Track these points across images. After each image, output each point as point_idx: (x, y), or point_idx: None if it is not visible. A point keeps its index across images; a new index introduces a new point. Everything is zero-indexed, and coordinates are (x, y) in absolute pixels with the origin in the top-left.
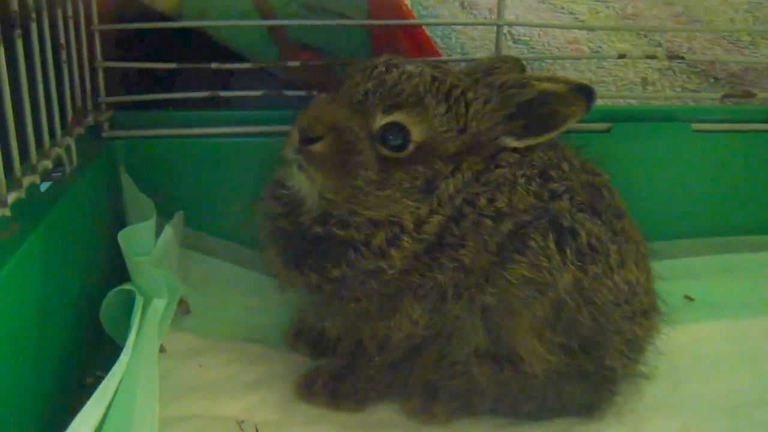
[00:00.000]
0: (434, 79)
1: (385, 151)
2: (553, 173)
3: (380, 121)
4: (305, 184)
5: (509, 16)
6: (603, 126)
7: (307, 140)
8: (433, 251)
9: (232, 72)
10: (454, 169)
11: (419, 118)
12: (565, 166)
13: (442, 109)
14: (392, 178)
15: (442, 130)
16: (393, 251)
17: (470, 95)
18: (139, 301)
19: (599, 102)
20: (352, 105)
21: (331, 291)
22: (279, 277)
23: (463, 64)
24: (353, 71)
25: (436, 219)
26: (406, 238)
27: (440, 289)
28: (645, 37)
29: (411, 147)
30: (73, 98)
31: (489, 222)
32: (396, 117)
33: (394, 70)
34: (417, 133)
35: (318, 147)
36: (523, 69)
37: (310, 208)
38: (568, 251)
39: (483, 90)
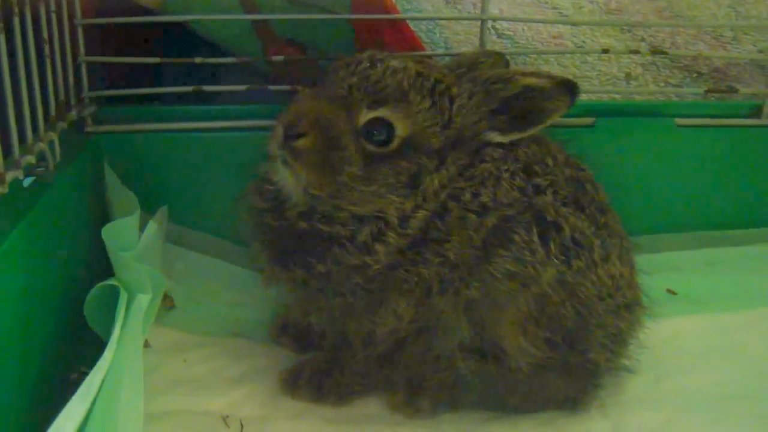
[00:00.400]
0: (418, 74)
1: (370, 147)
2: (537, 168)
3: (365, 116)
4: (290, 179)
5: (493, 10)
6: (586, 121)
7: (292, 136)
8: (418, 246)
9: (217, 67)
10: (438, 165)
11: (403, 114)
12: (549, 161)
13: (427, 104)
14: (377, 174)
15: (426, 125)
16: (378, 246)
17: (454, 90)
18: (123, 297)
19: (583, 97)
20: (337, 100)
21: (315, 286)
22: (264, 272)
23: (447, 59)
24: (337, 66)
25: (421, 214)
26: (390, 233)
27: (425, 283)
28: (628, 32)
29: (395, 142)
30: (56, 93)
31: (473, 216)
32: (380, 112)
33: (379, 65)
34: (401, 128)
35: (302, 142)
36: (506, 64)
37: (295, 203)
38: (552, 245)
39: (467, 85)
